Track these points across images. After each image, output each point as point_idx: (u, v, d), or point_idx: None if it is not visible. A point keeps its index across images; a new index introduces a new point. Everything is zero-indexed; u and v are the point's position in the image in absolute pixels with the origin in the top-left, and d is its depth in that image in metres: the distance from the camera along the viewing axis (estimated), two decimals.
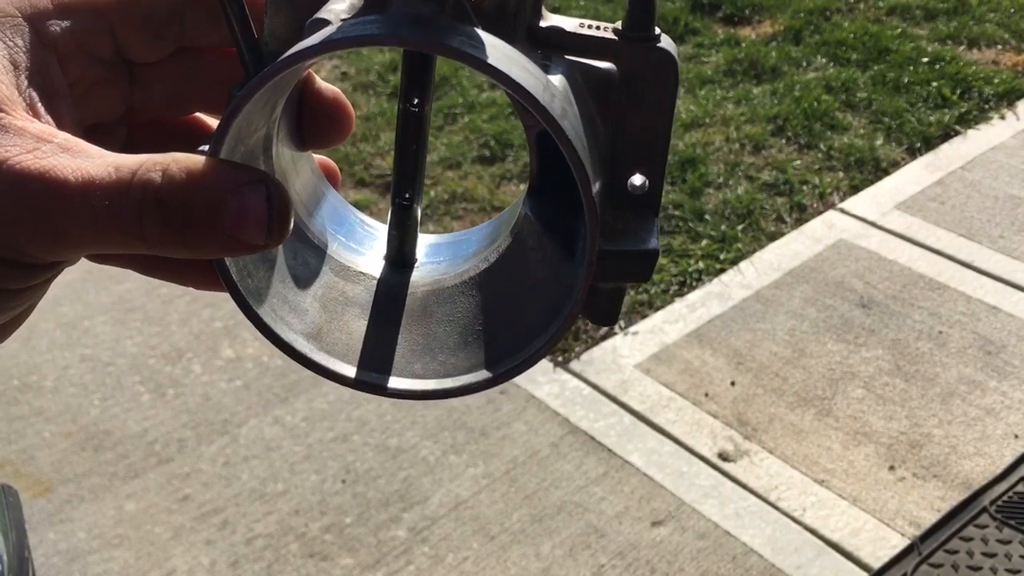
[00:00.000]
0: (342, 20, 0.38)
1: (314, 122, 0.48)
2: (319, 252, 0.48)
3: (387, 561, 2.27)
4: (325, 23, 0.38)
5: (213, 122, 0.47)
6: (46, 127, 0.37)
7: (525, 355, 0.44)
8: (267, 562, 2.27)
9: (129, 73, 0.43)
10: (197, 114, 0.47)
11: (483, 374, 0.44)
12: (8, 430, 2.59)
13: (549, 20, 0.42)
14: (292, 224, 0.38)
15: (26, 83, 0.38)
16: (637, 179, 0.43)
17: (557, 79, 0.41)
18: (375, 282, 0.49)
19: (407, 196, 0.48)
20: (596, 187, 0.39)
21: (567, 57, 0.42)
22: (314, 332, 0.45)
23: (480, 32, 0.38)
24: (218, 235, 0.36)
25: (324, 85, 0.48)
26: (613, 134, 0.43)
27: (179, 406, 2.67)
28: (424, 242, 0.51)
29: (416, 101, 0.47)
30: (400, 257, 0.50)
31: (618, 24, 0.42)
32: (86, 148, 0.37)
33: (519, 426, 2.59)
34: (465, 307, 0.48)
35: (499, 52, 0.37)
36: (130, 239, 0.36)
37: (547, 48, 0.42)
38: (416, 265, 0.50)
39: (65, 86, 0.40)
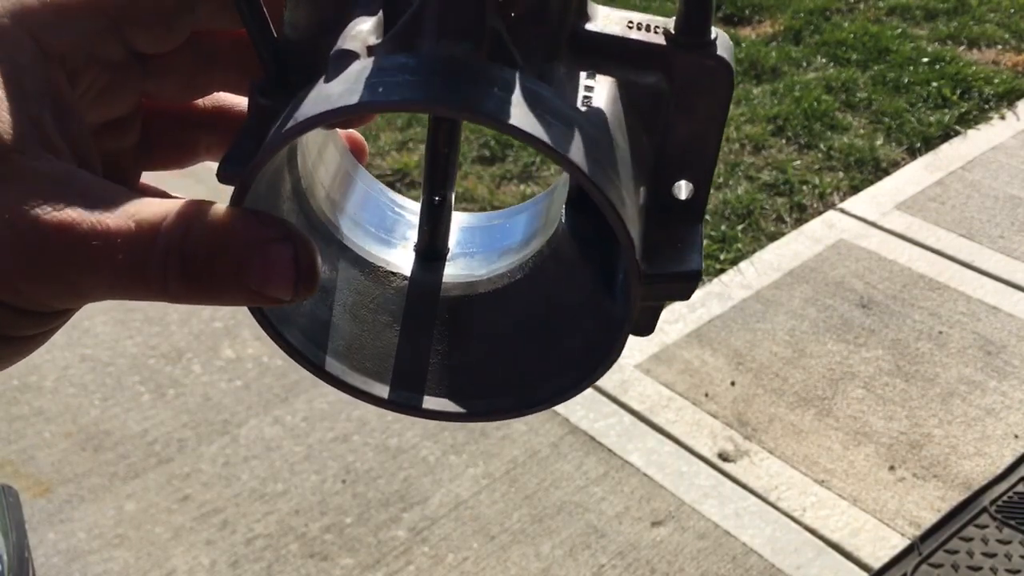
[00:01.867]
0: (368, 47, 0.36)
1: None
2: (347, 252, 0.47)
3: (387, 561, 2.27)
4: (352, 56, 0.35)
5: (233, 100, 0.45)
6: (61, 167, 0.36)
7: (561, 390, 0.43)
8: (267, 562, 2.27)
9: (141, 66, 0.41)
10: (216, 94, 0.45)
11: (514, 401, 0.43)
12: (8, 430, 2.59)
13: (596, 17, 0.40)
14: (319, 281, 0.37)
15: (36, 108, 0.36)
16: (684, 187, 0.42)
17: (599, 111, 0.38)
18: (406, 283, 0.47)
19: (438, 198, 0.47)
20: (637, 232, 0.38)
21: (613, 75, 0.40)
22: (345, 350, 0.44)
23: (516, 80, 0.35)
24: (243, 291, 0.35)
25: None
26: (661, 142, 0.41)
27: (179, 406, 2.67)
28: (457, 224, 0.49)
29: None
30: (431, 250, 0.48)
31: (670, 22, 0.39)
32: (103, 193, 0.36)
33: (519, 426, 2.59)
34: (498, 323, 0.46)
35: (526, 105, 0.35)
36: (152, 293, 0.35)
37: (592, 58, 0.39)
38: (448, 257, 0.48)
39: (76, 102, 0.38)
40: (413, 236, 0.49)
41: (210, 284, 0.35)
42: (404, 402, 0.44)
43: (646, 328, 0.44)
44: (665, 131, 0.41)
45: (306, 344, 0.43)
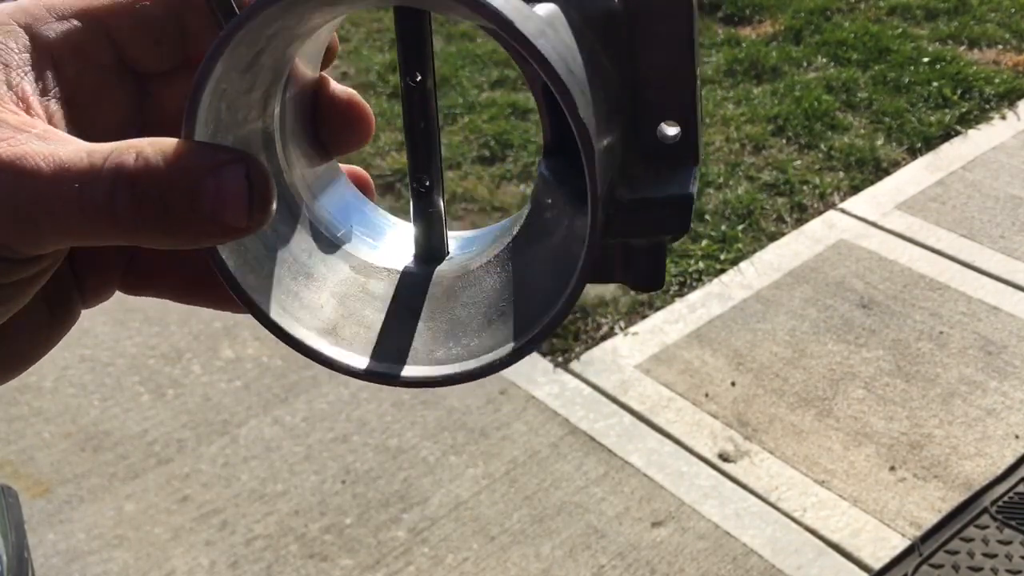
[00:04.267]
0: None
1: (330, 128, 0.46)
2: (341, 251, 0.46)
3: (387, 562, 2.27)
4: None
5: None
6: (27, 118, 0.36)
7: (543, 323, 0.40)
8: (267, 563, 2.27)
9: (137, 85, 0.42)
10: None
11: (503, 350, 0.41)
12: (7, 430, 2.59)
13: None
14: (274, 206, 0.37)
15: (17, 79, 0.37)
16: (668, 128, 0.40)
17: (542, 8, 0.37)
18: (399, 275, 0.46)
19: (425, 181, 0.45)
20: (591, 113, 0.36)
21: None
22: (329, 328, 0.43)
23: None
24: (197, 218, 0.35)
25: (337, 87, 0.46)
26: (631, 80, 0.39)
27: (179, 406, 2.67)
28: (456, 237, 0.48)
29: (416, 74, 0.44)
30: (427, 251, 0.47)
31: None
32: (64, 136, 0.36)
33: (519, 426, 2.59)
34: (490, 286, 0.45)
35: None
36: (104, 226, 0.34)
37: None
38: (447, 258, 0.47)
39: (58, 87, 0.39)
40: (411, 248, 0.48)
41: (162, 212, 0.34)
42: (382, 371, 0.42)
43: (649, 277, 0.41)
44: (630, 65, 0.39)
45: (284, 317, 0.42)
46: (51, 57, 0.38)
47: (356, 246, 0.47)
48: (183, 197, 0.35)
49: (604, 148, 0.37)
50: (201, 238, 0.36)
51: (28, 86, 0.37)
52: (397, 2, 0.40)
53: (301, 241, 0.44)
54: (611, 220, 0.39)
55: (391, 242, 0.48)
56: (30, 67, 0.38)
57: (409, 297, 0.45)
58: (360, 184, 0.49)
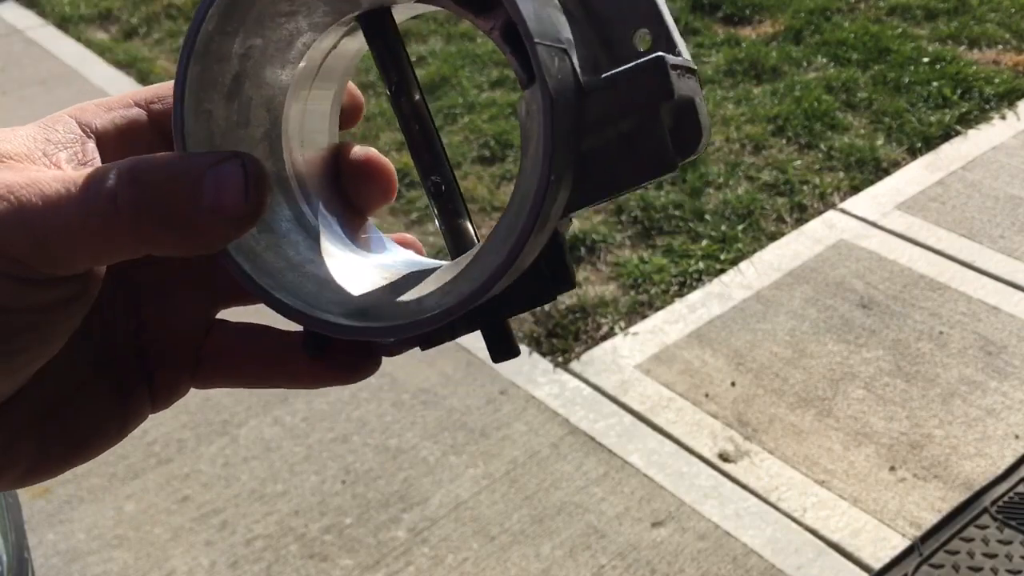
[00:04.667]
0: None
1: (354, 189, 0.48)
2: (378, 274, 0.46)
3: (387, 562, 2.27)
4: None
5: None
6: (57, 170, 0.39)
7: (516, 240, 0.37)
8: (267, 563, 2.27)
9: None
10: None
11: (478, 283, 0.38)
12: None
13: None
14: (270, 193, 0.38)
15: (54, 150, 0.40)
16: (638, 35, 0.39)
17: None
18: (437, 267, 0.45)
19: (438, 182, 0.45)
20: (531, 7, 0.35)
21: None
22: (336, 303, 0.42)
23: None
24: (200, 213, 0.37)
25: (357, 150, 0.48)
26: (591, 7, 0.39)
27: (179, 406, 2.67)
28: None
29: (394, 76, 0.44)
30: (459, 250, 0.45)
31: None
32: (80, 169, 0.38)
33: (519, 427, 2.59)
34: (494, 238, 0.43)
35: None
36: (112, 231, 0.36)
37: None
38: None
39: (97, 158, 0.41)
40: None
41: (167, 209, 0.36)
42: (362, 327, 0.41)
43: (658, 157, 0.38)
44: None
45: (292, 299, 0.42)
46: (95, 138, 0.42)
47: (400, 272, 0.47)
48: (185, 191, 0.37)
49: (550, 35, 0.36)
50: (206, 233, 0.37)
51: (63, 155, 0.40)
52: (357, 11, 0.41)
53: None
54: (587, 110, 0.38)
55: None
56: (71, 143, 0.41)
57: (414, 276, 0.45)
58: (408, 248, 0.50)
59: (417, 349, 0.44)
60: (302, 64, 0.45)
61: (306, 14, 0.43)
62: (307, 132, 0.47)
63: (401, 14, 0.45)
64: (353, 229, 0.48)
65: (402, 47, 0.45)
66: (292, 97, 0.45)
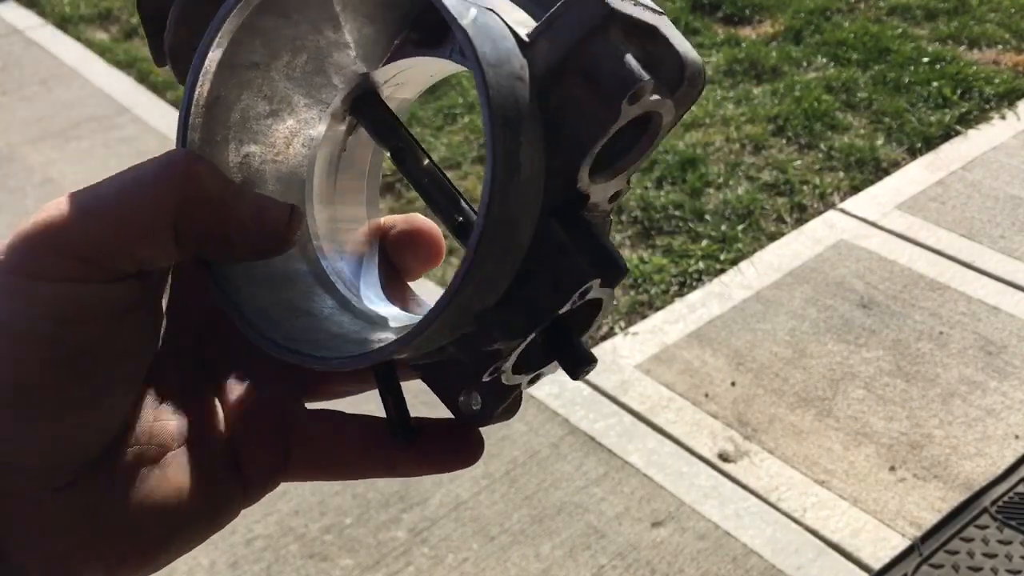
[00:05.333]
0: None
1: (400, 259, 0.48)
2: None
3: (387, 562, 2.27)
4: None
5: None
6: None
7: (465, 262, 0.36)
8: (267, 563, 2.27)
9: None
10: None
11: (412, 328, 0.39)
12: None
13: None
14: (303, 216, 0.40)
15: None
16: None
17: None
18: None
19: (457, 218, 0.44)
20: None
21: None
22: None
23: None
24: (245, 221, 0.38)
25: (399, 224, 0.48)
26: None
27: None
28: None
29: (393, 142, 0.45)
30: None
31: None
32: None
33: (519, 426, 2.59)
34: None
35: None
36: (158, 212, 0.37)
37: None
38: None
39: None
40: None
41: (220, 212, 0.38)
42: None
43: (619, 84, 0.35)
44: None
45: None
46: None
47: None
48: (231, 201, 0.38)
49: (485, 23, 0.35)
50: (249, 232, 0.39)
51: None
52: (336, 95, 0.42)
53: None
54: (535, 63, 0.36)
55: None
56: None
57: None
58: (418, 237, 0.50)
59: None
60: (319, 161, 0.45)
61: (290, 111, 0.42)
62: (338, 224, 0.47)
63: (386, 90, 0.44)
64: (395, 293, 0.47)
65: (393, 116, 0.45)
66: (317, 201, 0.46)
